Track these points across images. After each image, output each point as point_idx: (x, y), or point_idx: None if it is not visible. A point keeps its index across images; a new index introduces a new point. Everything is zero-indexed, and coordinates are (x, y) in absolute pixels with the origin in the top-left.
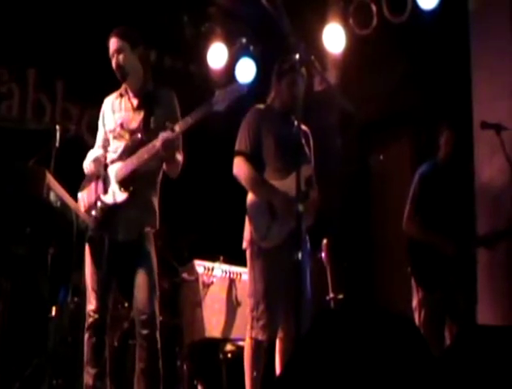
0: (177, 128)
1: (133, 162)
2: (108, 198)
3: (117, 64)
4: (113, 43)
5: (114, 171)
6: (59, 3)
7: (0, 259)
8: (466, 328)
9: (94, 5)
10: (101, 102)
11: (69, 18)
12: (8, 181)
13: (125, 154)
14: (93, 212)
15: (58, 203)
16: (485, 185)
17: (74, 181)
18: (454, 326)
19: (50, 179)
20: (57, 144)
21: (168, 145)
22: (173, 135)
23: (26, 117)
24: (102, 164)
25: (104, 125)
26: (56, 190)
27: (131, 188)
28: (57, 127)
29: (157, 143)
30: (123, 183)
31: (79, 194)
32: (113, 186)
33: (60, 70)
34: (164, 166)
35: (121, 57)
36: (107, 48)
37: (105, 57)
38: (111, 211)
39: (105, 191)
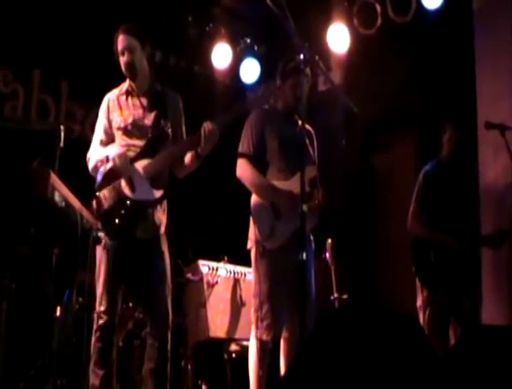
0: (215, 122)
1: (164, 159)
2: (140, 196)
3: (128, 63)
4: (124, 40)
5: (142, 168)
6: (63, 4)
7: (4, 260)
8: (470, 328)
9: (98, 5)
10: None
11: (73, 18)
12: (12, 181)
13: (148, 150)
14: (122, 211)
15: (63, 204)
16: (489, 185)
17: (79, 181)
18: (458, 326)
19: (55, 179)
20: (61, 145)
21: (212, 137)
22: (214, 126)
23: (30, 118)
24: (128, 161)
25: (109, 121)
26: (60, 191)
27: (163, 185)
28: (62, 128)
29: (190, 141)
30: (154, 180)
31: (99, 193)
32: (144, 184)
33: (64, 71)
34: (189, 158)
35: (132, 55)
36: (112, 44)
37: (109, 57)
38: (138, 209)
39: (133, 189)
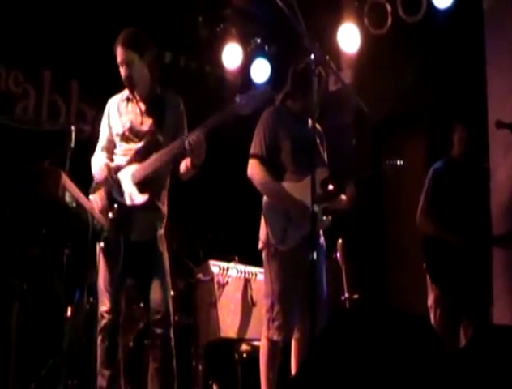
0: (199, 131)
1: (151, 164)
2: (126, 200)
3: (126, 76)
4: (121, 54)
5: (130, 173)
6: (73, 4)
7: (16, 260)
8: (481, 328)
9: (108, 5)
10: None
11: (83, 18)
12: (23, 182)
13: (139, 156)
14: (110, 214)
15: (74, 204)
16: (500, 184)
17: (90, 181)
18: (469, 326)
19: (65, 180)
20: (72, 145)
21: (198, 145)
22: (199, 136)
23: (41, 119)
24: (112, 169)
25: (109, 127)
26: (71, 191)
27: (152, 190)
28: (72, 128)
29: (176, 144)
30: (141, 185)
31: (91, 197)
32: (130, 189)
33: (75, 71)
34: (184, 167)
35: (130, 69)
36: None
37: None
38: (127, 212)
39: (121, 194)
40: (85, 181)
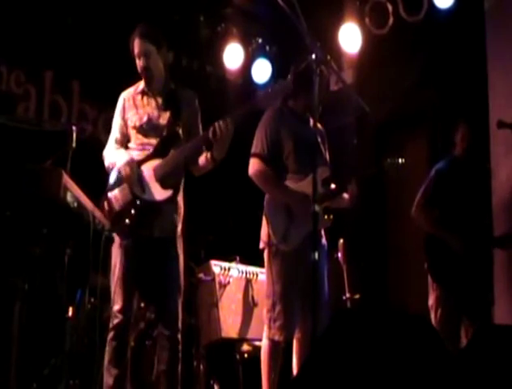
0: (229, 121)
1: (173, 159)
2: (149, 196)
3: (145, 68)
4: (140, 45)
5: (151, 168)
6: (75, 5)
7: (17, 260)
8: (482, 328)
9: (110, 6)
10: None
11: (84, 19)
12: (25, 182)
13: (160, 150)
14: (132, 211)
15: (75, 204)
16: (502, 184)
17: (91, 181)
18: (470, 325)
19: (67, 180)
20: (73, 145)
21: (225, 135)
22: (229, 126)
23: (43, 119)
24: (136, 164)
25: (124, 120)
26: (72, 191)
27: (174, 185)
28: (74, 128)
29: (199, 139)
30: (164, 181)
31: (110, 194)
32: (153, 184)
33: (76, 72)
34: (203, 160)
35: (148, 61)
36: (124, 44)
37: (121, 58)
38: (149, 208)
39: (143, 189)
40: (87, 181)
